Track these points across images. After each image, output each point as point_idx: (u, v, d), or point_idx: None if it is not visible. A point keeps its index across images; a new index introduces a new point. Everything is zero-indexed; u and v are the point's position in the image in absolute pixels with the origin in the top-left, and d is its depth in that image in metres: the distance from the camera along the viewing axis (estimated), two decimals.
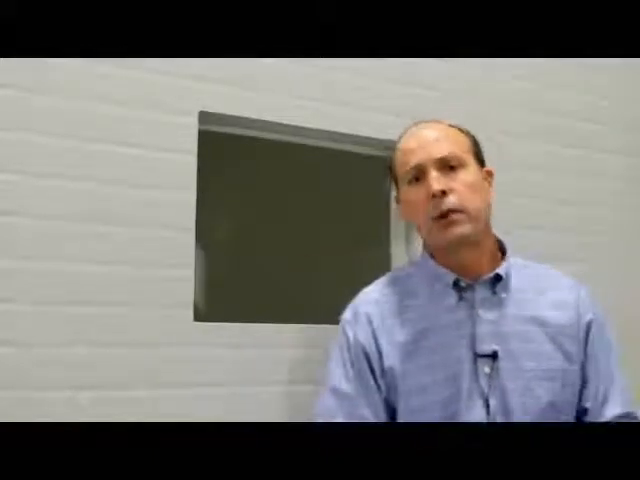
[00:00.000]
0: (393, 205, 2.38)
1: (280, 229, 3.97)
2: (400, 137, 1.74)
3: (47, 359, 1.79)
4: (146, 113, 1.93)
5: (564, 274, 1.73)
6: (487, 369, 1.57)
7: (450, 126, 1.70)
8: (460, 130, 1.70)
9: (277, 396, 2.00)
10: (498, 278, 1.63)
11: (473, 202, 1.60)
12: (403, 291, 1.69)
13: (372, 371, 1.63)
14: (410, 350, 1.61)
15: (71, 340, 1.81)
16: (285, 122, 2.11)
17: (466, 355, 1.58)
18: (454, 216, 1.58)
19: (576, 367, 1.62)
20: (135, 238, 1.90)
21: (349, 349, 1.66)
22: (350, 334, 1.67)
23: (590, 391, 1.63)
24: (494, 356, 1.57)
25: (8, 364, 1.76)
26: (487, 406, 1.56)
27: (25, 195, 1.81)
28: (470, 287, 1.63)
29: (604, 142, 2.60)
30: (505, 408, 1.56)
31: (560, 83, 2.54)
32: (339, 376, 1.65)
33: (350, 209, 3.71)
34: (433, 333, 1.62)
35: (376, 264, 2.60)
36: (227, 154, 3.59)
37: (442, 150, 1.62)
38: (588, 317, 1.65)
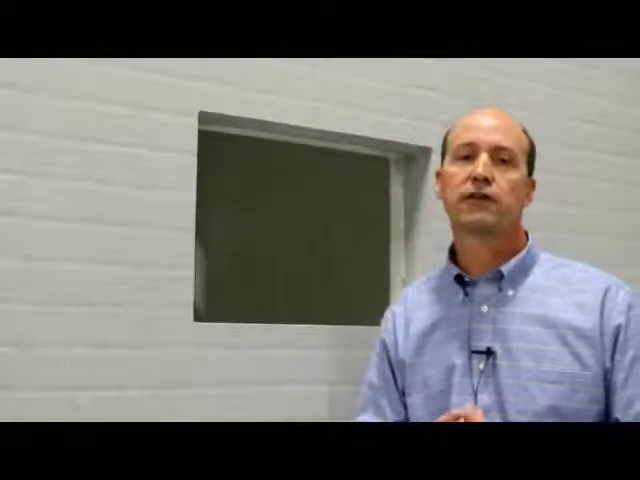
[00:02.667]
0: (393, 205, 2.38)
1: (280, 229, 3.97)
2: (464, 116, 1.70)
3: (47, 359, 1.79)
4: (146, 113, 1.93)
5: (607, 276, 1.62)
6: (481, 365, 1.57)
7: (517, 124, 1.66)
8: (524, 132, 1.67)
9: (276, 396, 2.00)
10: (501, 275, 1.61)
11: (509, 198, 1.58)
12: (430, 287, 1.72)
13: (390, 364, 1.70)
14: (420, 344, 1.66)
15: (71, 340, 1.81)
16: (285, 122, 2.11)
17: (461, 351, 1.59)
18: (485, 202, 1.56)
19: (590, 372, 1.52)
20: (135, 238, 1.90)
21: (379, 343, 1.75)
22: (381, 329, 1.76)
23: (620, 401, 1.52)
24: (488, 353, 1.56)
25: (8, 364, 1.76)
26: (476, 402, 1.55)
27: (25, 195, 1.81)
28: (474, 283, 1.62)
29: (604, 142, 2.60)
30: (501, 407, 1.54)
31: (561, 83, 2.54)
32: (372, 368, 1.75)
33: (350, 209, 3.71)
34: (440, 328, 1.64)
35: (375, 264, 2.60)
36: (227, 154, 3.59)
37: (501, 139, 1.60)
38: (617, 321, 1.54)
